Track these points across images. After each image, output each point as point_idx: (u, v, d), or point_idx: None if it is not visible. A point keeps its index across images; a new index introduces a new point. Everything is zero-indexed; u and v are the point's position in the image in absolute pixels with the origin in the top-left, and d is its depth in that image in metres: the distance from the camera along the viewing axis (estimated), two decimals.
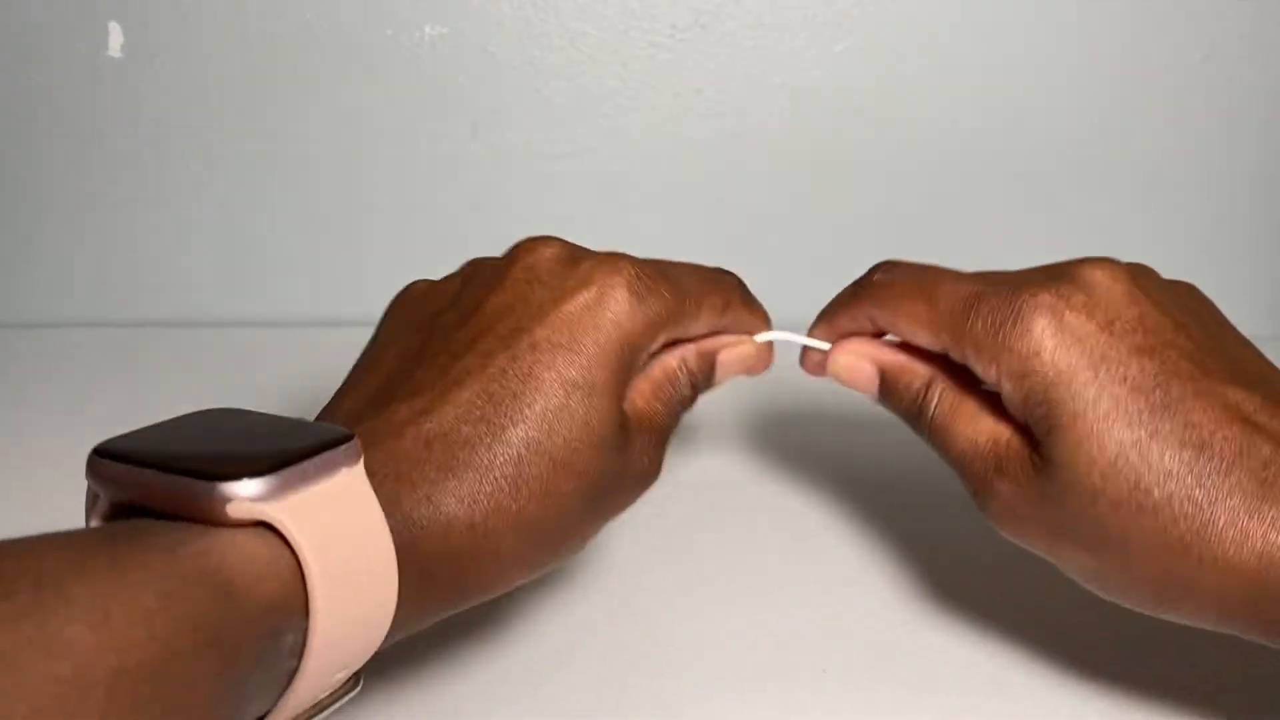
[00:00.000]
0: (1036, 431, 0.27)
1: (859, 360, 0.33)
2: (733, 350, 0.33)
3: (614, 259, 0.28)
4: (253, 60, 0.54)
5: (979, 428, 0.29)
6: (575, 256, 0.29)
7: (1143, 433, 0.26)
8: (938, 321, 0.29)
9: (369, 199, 0.57)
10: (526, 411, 0.26)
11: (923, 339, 0.30)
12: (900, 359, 0.32)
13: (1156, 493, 0.25)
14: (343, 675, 0.22)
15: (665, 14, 0.53)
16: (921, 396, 0.31)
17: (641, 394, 0.30)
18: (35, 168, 0.56)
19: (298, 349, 0.55)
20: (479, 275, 0.30)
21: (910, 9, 0.53)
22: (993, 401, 0.29)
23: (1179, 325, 0.28)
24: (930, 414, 0.31)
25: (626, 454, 0.28)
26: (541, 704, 0.31)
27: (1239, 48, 0.54)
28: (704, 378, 0.32)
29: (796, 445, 0.46)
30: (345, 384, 0.29)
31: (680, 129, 0.55)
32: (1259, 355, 0.30)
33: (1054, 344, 0.27)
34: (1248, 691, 0.31)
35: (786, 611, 0.35)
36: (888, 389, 0.32)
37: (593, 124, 0.55)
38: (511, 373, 0.26)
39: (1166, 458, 0.26)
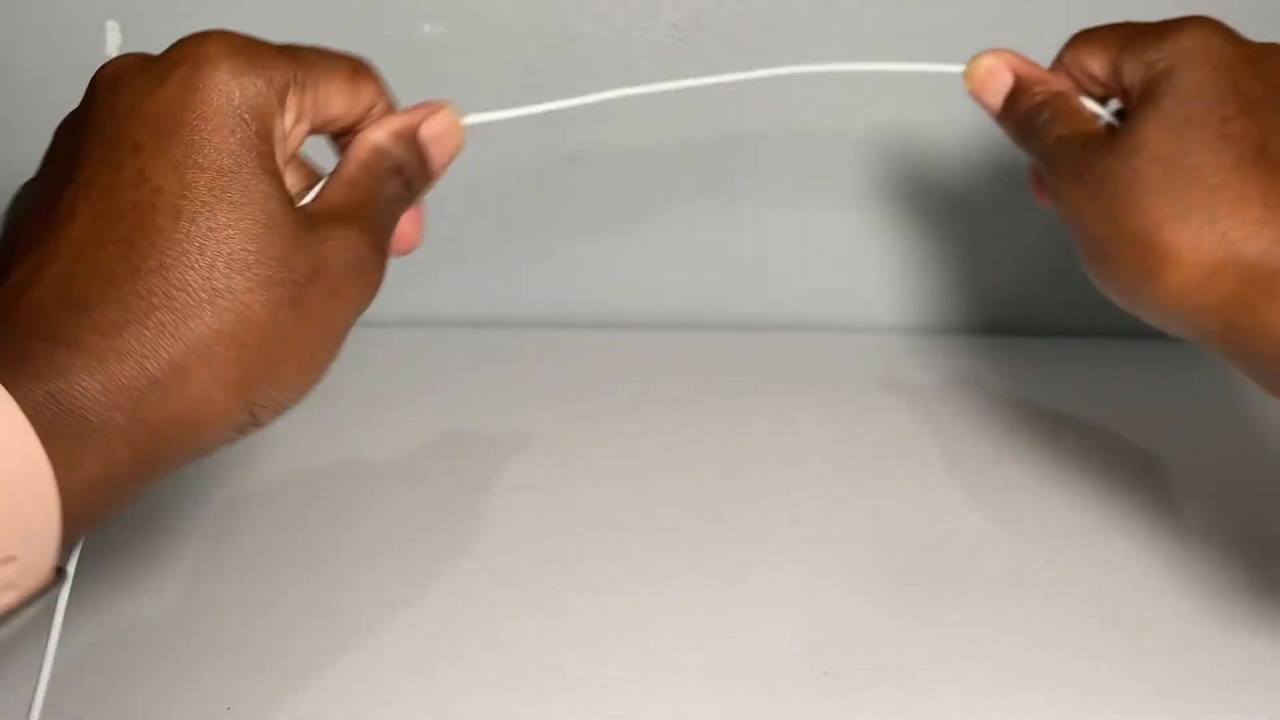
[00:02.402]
0: (1138, 103, 0.30)
1: (999, 65, 0.34)
2: (434, 122, 0.30)
3: (200, 34, 0.26)
4: None
5: (1081, 125, 0.31)
6: (155, 55, 0.26)
7: (1218, 116, 0.28)
8: (1111, 39, 0.32)
9: None
10: (151, 217, 0.23)
11: (1095, 56, 0.32)
12: (1038, 71, 0.34)
13: (1194, 156, 0.28)
14: (14, 568, 0.21)
15: (665, 14, 0.53)
16: (1045, 103, 0.32)
17: (337, 188, 0.27)
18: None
19: None
20: (61, 128, 0.27)
21: (910, 10, 0.53)
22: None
23: None
24: (1044, 115, 0.32)
25: (321, 243, 0.25)
26: (533, 704, 0.31)
27: None
28: (414, 163, 0.29)
29: (796, 444, 0.46)
30: None
31: (680, 129, 0.55)
32: None
33: (1194, 43, 0.29)
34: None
35: (786, 612, 0.35)
36: (1016, 94, 0.33)
37: (593, 124, 0.55)
38: (119, 184, 0.24)
39: (1226, 140, 0.28)
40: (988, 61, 0.34)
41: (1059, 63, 0.34)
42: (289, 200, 0.25)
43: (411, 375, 0.52)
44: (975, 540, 0.39)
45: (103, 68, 0.27)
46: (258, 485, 0.42)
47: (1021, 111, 0.33)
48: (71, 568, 0.23)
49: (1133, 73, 0.31)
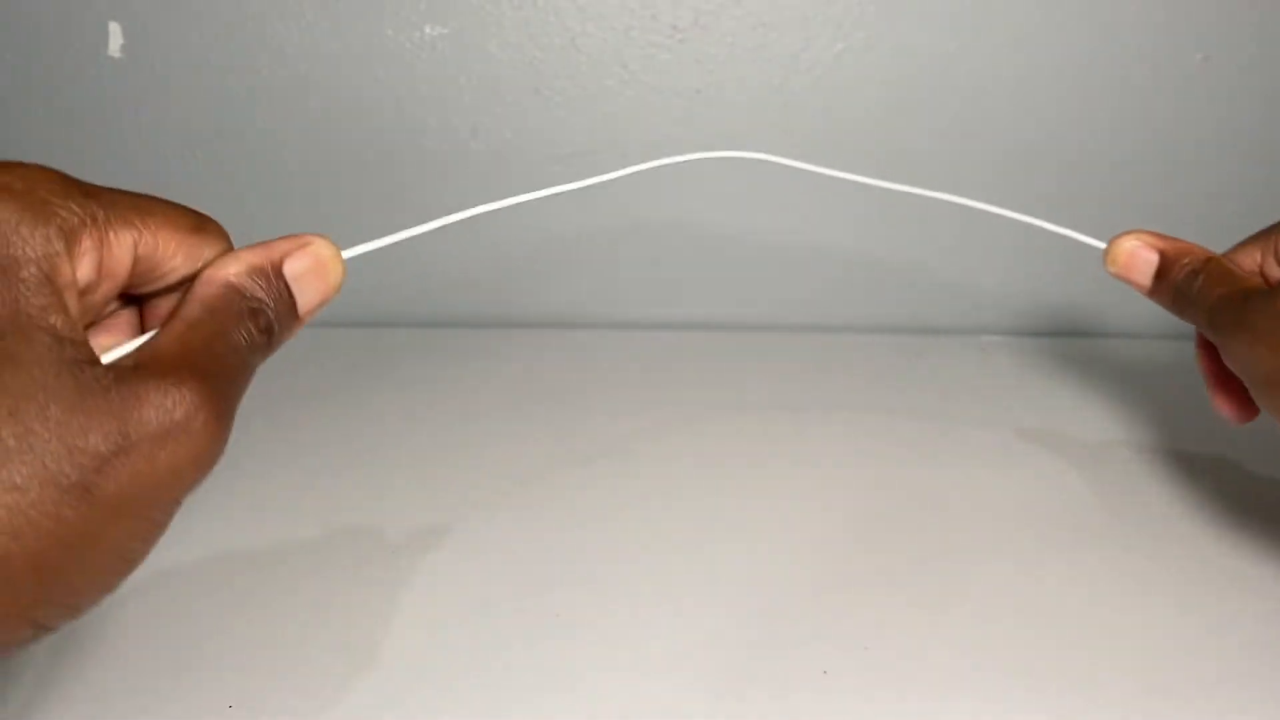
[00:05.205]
0: None
1: (1141, 246, 0.35)
2: (303, 256, 0.25)
3: None
4: (252, 61, 0.54)
5: (1244, 282, 0.33)
6: None
7: None
8: (1263, 233, 0.34)
9: (369, 199, 0.57)
10: None
11: (1244, 252, 0.34)
12: (1180, 244, 0.35)
13: None
14: None
15: (665, 14, 0.53)
16: (1198, 271, 0.33)
17: (170, 334, 0.23)
18: None
19: (295, 348, 0.55)
20: None
21: (910, 9, 0.53)
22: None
23: None
24: (1199, 282, 0.33)
25: (131, 408, 0.20)
26: (532, 703, 0.31)
27: (1239, 48, 0.54)
28: (277, 305, 0.25)
29: (799, 445, 0.46)
30: None
31: (680, 129, 0.55)
32: None
33: None
34: None
35: (787, 612, 0.35)
36: (1164, 269, 0.34)
37: (593, 124, 0.55)
38: None
39: None
40: (1129, 244, 0.35)
41: None
42: (80, 361, 0.20)
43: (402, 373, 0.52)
44: (976, 538, 0.39)
45: None
46: (256, 487, 0.42)
47: (1175, 283, 0.34)
48: None
49: None
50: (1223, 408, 0.36)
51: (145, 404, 0.21)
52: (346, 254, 0.27)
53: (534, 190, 0.32)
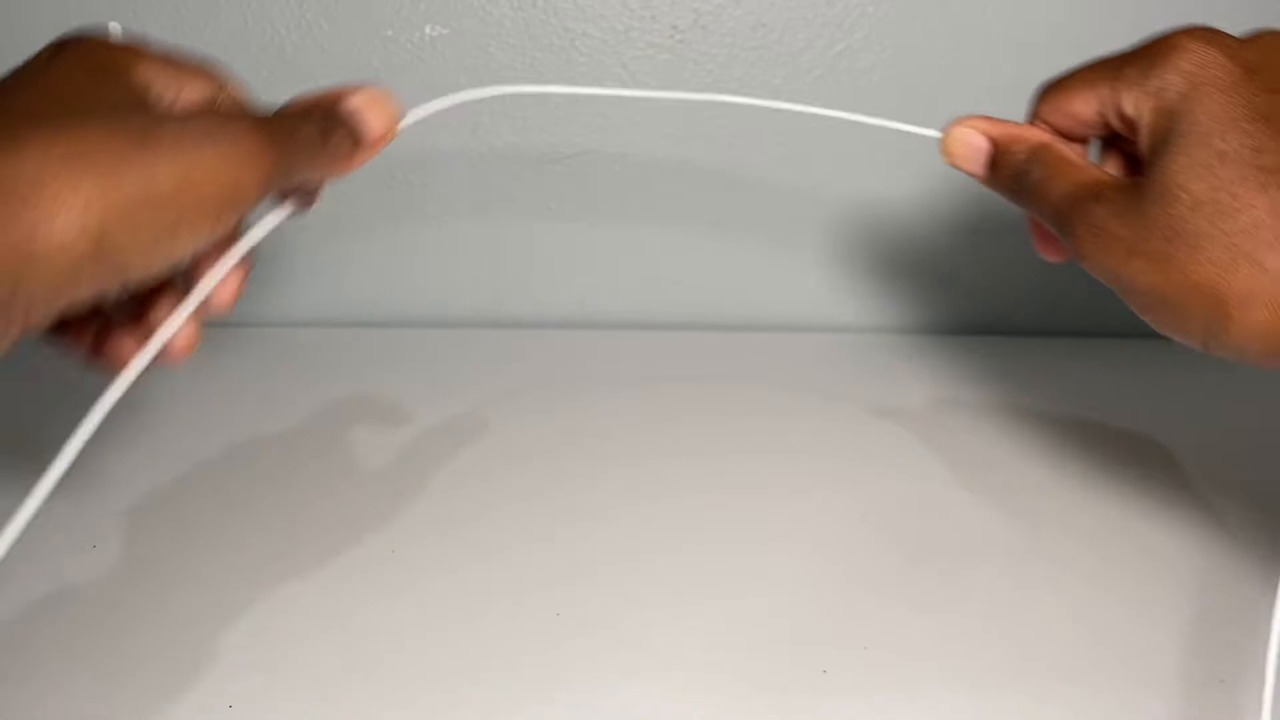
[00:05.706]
0: (1153, 144, 0.28)
1: (971, 133, 0.33)
2: (357, 95, 0.30)
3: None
4: (253, 61, 0.54)
5: (1081, 177, 0.30)
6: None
7: (1249, 146, 0.27)
8: (1095, 76, 0.31)
9: (368, 199, 0.57)
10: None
11: (1079, 98, 0.31)
12: (1012, 129, 0.33)
13: (1240, 198, 0.26)
14: None
15: (665, 14, 0.53)
16: (1031, 159, 0.32)
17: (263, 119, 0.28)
18: None
19: (294, 349, 0.55)
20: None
21: (910, 9, 0.53)
22: (1094, 168, 0.31)
23: None
24: (1035, 173, 0.31)
25: (188, 118, 0.25)
26: (531, 704, 0.31)
27: None
28: (332, 121, 0.30)
29: (799, 445, 0.46)
30: None
31: (680, 130, 0.55)
32: None
33: (1194, 66, 0.28)
34: None
35: (787, 612, 0.35)
36: (997, 159, 0.33)
37: (593, 124, 0.55)
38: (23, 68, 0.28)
39: (1265, 173, 0.26)
40: (959, 132, 0.33)
41: (1034, 116, 0.33)
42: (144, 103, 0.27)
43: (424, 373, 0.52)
44: (974, 538, 0.39)
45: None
46: (257, 489, 0.42)
47: (1009, 174, 0.32)
48: None
49: (1138, 103, 0.29)
50: (1046, 253, 0.34)
51: (204, 117, 0.26)
52: (410, 116, 0.31)
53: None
